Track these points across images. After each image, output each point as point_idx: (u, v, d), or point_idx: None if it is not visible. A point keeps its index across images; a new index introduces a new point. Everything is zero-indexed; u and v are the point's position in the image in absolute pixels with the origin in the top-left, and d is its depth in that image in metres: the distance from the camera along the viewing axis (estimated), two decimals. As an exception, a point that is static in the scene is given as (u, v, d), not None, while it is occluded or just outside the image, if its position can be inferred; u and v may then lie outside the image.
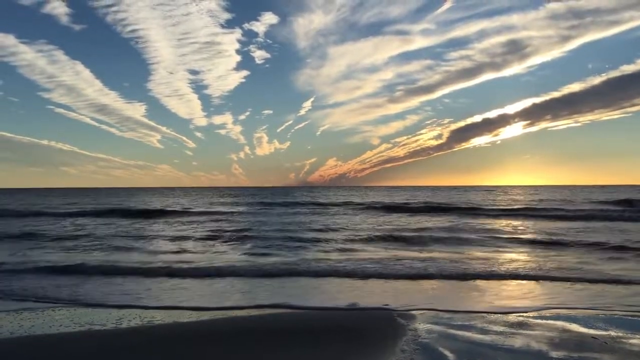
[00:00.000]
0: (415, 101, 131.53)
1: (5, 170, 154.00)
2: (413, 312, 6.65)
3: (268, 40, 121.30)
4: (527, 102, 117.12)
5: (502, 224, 22.50)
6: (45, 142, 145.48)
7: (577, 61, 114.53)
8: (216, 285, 9.00)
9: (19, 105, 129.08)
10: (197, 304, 7.33)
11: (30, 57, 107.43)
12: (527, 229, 20.04)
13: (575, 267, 10.48)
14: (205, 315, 6.67)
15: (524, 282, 9.04)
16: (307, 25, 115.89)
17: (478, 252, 13.05)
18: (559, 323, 6.04)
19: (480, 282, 8.98)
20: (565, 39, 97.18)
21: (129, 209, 33.56)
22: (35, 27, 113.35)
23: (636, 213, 24.66)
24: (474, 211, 30.47)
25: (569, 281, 8.90)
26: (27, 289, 8.42)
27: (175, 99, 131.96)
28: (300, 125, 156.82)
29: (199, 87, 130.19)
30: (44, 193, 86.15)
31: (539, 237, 16.40)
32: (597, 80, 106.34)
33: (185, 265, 10.83)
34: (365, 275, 9.55)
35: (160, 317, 6.52)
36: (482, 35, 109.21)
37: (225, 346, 5.22)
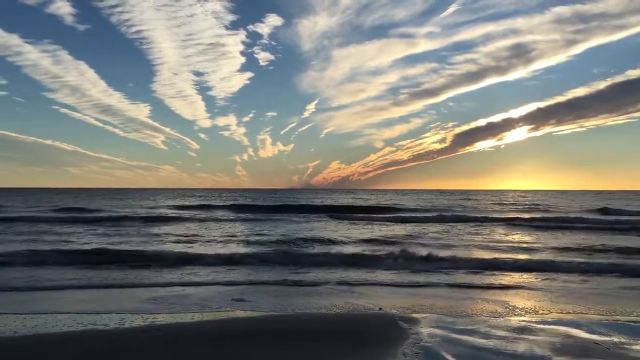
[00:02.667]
0: (419, 104, 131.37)
1: (9, 169, 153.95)
2: (415, 315, 6.66)
3: (272, 42, 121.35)
4: (531, 107, 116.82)
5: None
6: (49, 142, 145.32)
7: (582, 66, 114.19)
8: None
9: (24, 105, 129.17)
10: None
11: (34, 57, 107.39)
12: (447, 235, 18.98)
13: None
14: (209, 317, 6.68)
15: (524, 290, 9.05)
16: (312, 27, 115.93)
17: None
18: (562, 328, 6.03)
19: (478, 290, 8.99)
20: (571, 43, 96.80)
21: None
22: (40, 27, 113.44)
23: (599, 224, 23.29)
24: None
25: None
26: None
27: (179, 100, 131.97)
28: (304, 128, 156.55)
29: (203, 89, 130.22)
30: (43, 193, 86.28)
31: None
32: (602, 84, 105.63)
33: None
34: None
35: (163, 318, 6.53)
36: (487, 38, 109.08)
37: (227, 347, 5.22)
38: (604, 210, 33.09)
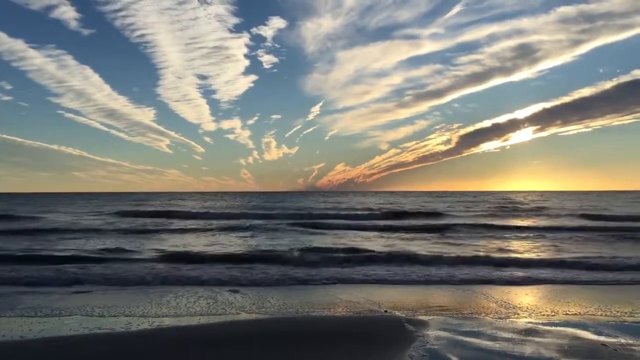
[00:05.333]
0: (424, 106, 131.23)
1: (15, 175, 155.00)
2: (421, 317, 6.65)
3: (276, 45, 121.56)
4: (537, 107, 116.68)
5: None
6: (55, 146, 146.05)
7: (588, 65, 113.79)
8: None
9: (29, 110, 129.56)
10: None
11: (39, 61, 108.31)
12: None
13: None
14: (215, 319, 6.70)
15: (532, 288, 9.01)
16: (316, 29, 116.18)
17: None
18: (569, 330, 6.01)
19: (488, 289, 8.96)
20: (576, 43, 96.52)
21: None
22: (45, 32, 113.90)
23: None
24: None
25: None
26: None
27: (184, 103, 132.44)
28: (309, 130, 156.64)
29: (207, 92, 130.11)
30: (45, 198, 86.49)
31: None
32: (608, 84, 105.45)
33: None
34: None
35: (169, 322, 6.54)
36: (492, 39, 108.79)
37: (234, 350, 5.23)
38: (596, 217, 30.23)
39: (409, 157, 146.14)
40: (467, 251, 14.09)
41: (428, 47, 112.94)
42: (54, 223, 25.43)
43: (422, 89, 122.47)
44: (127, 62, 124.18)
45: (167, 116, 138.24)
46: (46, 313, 6.95)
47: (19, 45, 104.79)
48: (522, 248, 15.24)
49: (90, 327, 6.23)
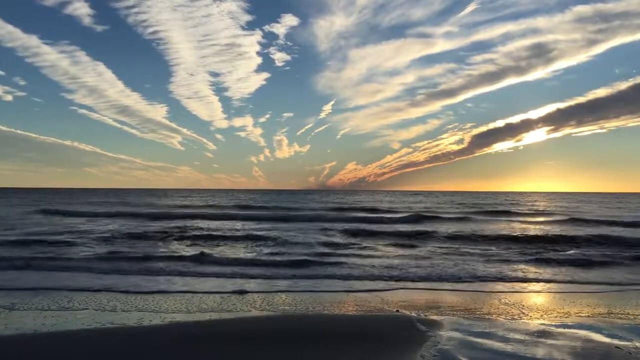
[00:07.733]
0: (436, 105, 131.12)
1: (29, 170, 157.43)
2: (433, 317, 6.62)
3: (288, 43, 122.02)
4: (551, 107, 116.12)
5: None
6: (68, 142, 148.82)
7: (603, 66, 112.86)
8: None
9: (43, 105, 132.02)
10: None
11: (53, 58, 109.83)
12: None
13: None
14: (226, 316, 6.73)
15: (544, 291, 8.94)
16: (328, 27, 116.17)
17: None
18: (582, 332, 5.96)
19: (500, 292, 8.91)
20: (592, 42, 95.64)
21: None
22: (58, 28, 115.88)
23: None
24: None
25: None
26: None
27: (196, 100, 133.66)
28: (321, 129, 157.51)
29: (219, 89, 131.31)
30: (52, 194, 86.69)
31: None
32: (623, 85, 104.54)
33: None
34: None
35: (180, 317, 6.59)
36: (506, 38, 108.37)
37: (245, 347, 5.25)
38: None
39: (420, 156, 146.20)
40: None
41: (441, 45, 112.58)
42: None
43: (434, 88, 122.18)
44: (140, 58, 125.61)
45: (179, 113, 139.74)
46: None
47: (33, 41, 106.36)
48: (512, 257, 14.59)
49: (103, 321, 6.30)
